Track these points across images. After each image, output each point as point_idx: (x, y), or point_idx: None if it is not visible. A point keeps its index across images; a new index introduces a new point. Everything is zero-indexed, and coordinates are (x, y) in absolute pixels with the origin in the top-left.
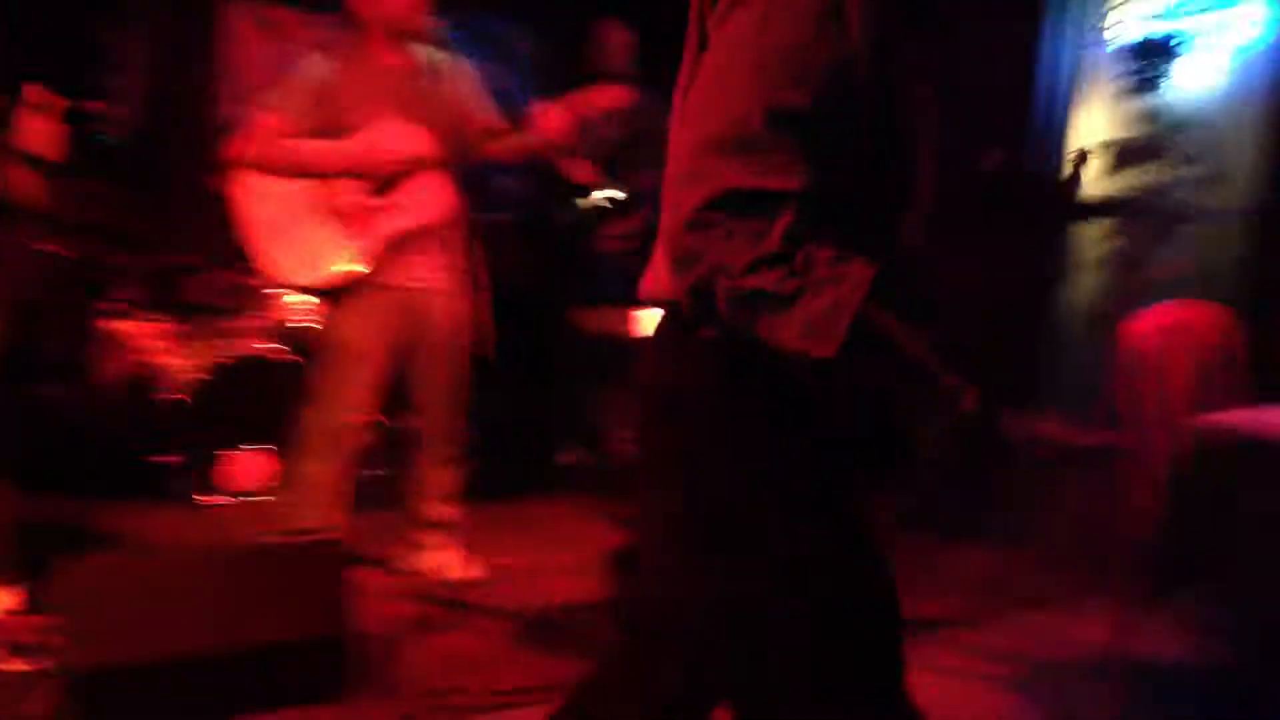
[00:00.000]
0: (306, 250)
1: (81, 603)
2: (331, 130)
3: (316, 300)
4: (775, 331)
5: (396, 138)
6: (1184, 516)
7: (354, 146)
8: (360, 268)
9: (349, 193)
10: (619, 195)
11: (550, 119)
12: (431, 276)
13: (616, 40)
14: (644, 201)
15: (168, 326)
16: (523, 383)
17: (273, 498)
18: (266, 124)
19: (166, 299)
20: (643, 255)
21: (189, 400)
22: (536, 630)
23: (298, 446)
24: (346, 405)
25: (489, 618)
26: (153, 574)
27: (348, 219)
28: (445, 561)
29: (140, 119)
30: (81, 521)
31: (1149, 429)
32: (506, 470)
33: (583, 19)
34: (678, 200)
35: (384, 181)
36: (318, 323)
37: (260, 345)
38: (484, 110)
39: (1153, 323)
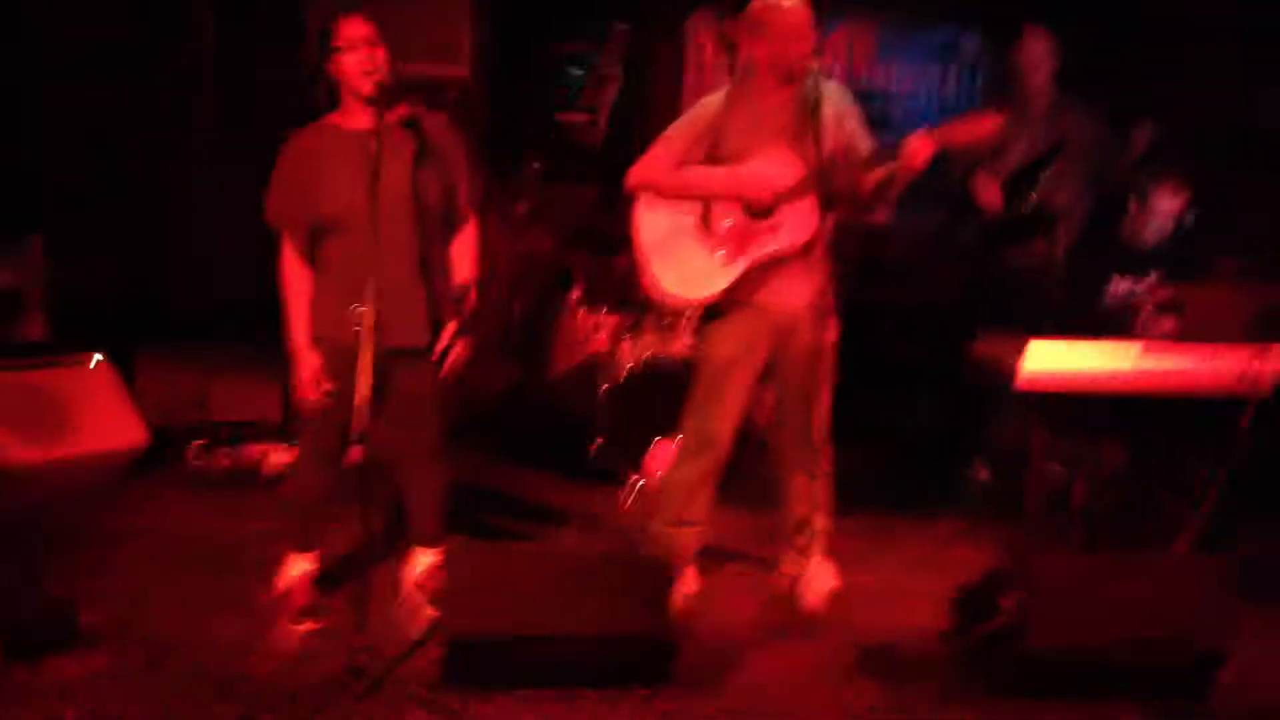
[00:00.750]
0: (687, 270)
1: (469, 578)
2: (719, 159)
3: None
4: None
5: (778, 167)
6: None
7: (739, 173)
8: (733, 287)
9: (729, 217)
10: (1031, 213)
11: (917, 149)
12: (799, 298)
13: (1038, 50)
14: (1058, 221)
15: (617, 321)
16: (929, 399)
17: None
18: (660, 153)
19: (619, 296)
20: (1053, 277)
21: (625, 390)
22: (878, 655)
23: (678, 449)
24: (717, 415)
25: (835, 632)
26: (528, 562)
27: (727, 242)
28: (805, 571)
29: (611, 128)
30: (517, 493)
31: None
32: (892, 485)
33: (1028, 19)
34: None
35: (763, 208)
36: (699, 336)
37: (686, 346)
38: (864, 142)
39: None
